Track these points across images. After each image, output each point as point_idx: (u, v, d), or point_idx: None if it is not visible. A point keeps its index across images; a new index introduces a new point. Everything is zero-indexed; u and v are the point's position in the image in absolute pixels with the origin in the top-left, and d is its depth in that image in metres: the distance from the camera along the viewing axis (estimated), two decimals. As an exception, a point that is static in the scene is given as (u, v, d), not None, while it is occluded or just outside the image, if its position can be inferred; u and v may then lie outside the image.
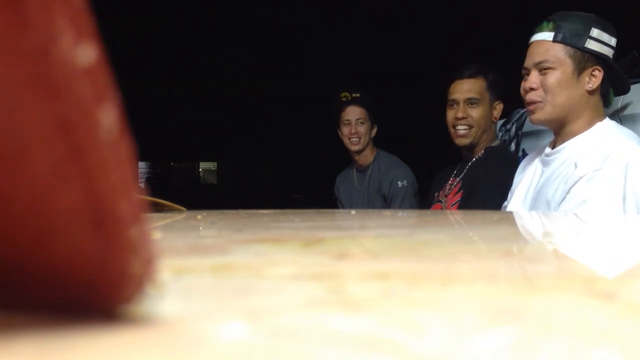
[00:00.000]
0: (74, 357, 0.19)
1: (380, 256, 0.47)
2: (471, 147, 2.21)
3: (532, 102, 1.58)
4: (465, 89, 2.20)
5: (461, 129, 2.19)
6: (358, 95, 2.80)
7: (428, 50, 5.73)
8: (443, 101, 2.28)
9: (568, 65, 1.54)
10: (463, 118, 2.18)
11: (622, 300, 0.28)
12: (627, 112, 1.86)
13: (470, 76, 2.20)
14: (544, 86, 1.56)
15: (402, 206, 2.67)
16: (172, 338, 0.21)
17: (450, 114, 2.21)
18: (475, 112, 2.18)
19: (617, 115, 1.83)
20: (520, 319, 0.23)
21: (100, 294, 0.22)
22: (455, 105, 2.20)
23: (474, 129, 2.18)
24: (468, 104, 2.18)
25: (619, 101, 1.85)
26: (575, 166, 1.49)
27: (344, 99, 2.82)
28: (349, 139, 2.79)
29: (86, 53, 0.19)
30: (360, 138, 2.77)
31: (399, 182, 2.72)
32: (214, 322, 0.23)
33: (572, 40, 1.55)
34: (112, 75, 0.20)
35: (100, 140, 0.19)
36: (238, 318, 0.23)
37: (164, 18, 6.73)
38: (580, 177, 1.46)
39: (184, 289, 0.30)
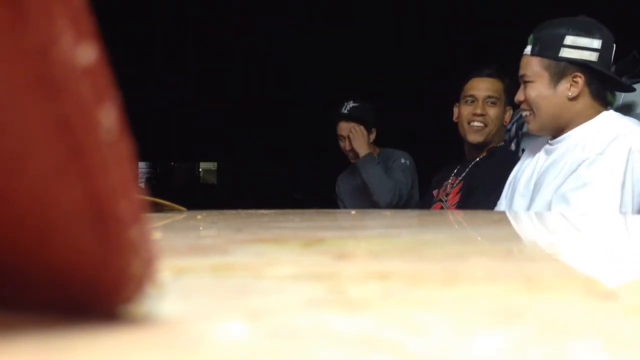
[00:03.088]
0: (74, 357, 0.19)
1: (380, 256, 0.47)
2: (482, 146, 2.20)
3: (525, 114, 1.65)
4: (485, 86, 2.19)
5: (477, 125, 2.17)
6: (347, 110, 2.80)
7: (428, 50, 5.73)
8: (443, 102, 2.28)
9: (544, 77, 1.58)
10: (482, 115, 2.17)
11: (622, 301, 0.28)
12: (627, 112, 1.86)
13: (490, 75, 2.20)
14: (526, 99, 1.62)
15: (400, 176, 2.68)
16: (172, 338, 0.21)
17: (467, 110, 2.18)
18: (493, 112, 2.18)
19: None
20: (520, 319, 0.23)
21: (100, 293, 0.22)
22: (473, 102, 2.18)
23: (488, 128, 2.18)
24: (487, 102, 2.18)
25: (619, 101, 1.85)
26: (583, 149, 1.51)
27: (333, 117, 2.84)
28: (347, 154, 2.82)
29: (86, 53, 0.19)
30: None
31: (402, 159, 2.77)
32: (214, 322, 0.23)
33: (546, 52, 1.58)
34: (112, 75, 0.20)
35: (100, 140, 0.19)
36: (238, 318, 0.23)
37: (164, 18, 6.73)
38: (584, 160, 1.48)
39: (184, 289, 0.30)
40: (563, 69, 1.57)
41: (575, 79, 1.57)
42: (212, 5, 6.56)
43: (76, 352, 0.19)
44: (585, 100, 1.58)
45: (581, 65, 1.56)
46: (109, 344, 0.20)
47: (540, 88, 1.58)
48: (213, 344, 0.20)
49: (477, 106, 2.17)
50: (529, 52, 1.61)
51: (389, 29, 6.06)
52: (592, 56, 1.56)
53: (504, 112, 2.22)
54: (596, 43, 1.56)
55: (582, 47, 1.56)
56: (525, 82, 1.61)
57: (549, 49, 1.58)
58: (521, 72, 1.62)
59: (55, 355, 0.19)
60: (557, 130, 1.61)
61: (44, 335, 0.20)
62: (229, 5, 6.48)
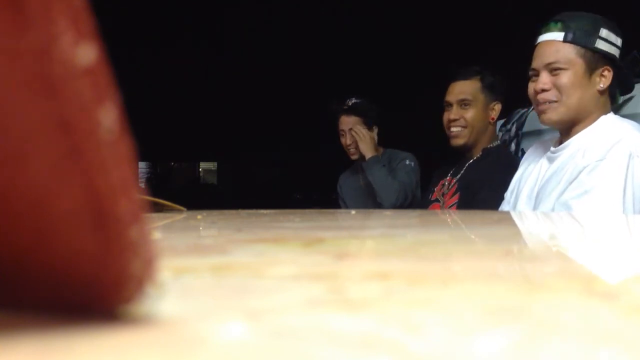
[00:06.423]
0: (74, 357, 0.19)
1: (380, 256, 0.47)
2: (467, 148, 2.22)
3: (545, 103, 1.58)
4: (458, 90, 2.22)
5: (454, 130, 2.21)
6: (349, 104, 2.80)
7: (428, 50, 5.73)
8: (443, 102, 2.29)
9: (580, 65, 1.54)
10: (455, 119, 2.20)
11: (623, 301, 0.27)
12: (627, 111, 1.86)
13: (464, 78, 2.22)
14: (557, 87, 1.56)
15: (404, 178, 2.68)
16: (172, 338, 0.21)
17: (445, 117, 2.24)
18: (468, 113, 2.20)
19: (618, 114, 1.84)
20: (520, 319, 0.23)
21: (100, 294, 0.22)
22: (449, 107, 2.23)
23: (467, 130, 2.20)
24: (461, 105, 2.21)
25: (619, 100, 1.86)
26: (583, 155, 1.50)
27: (336, 110, 2.83)
28: (348, 149, 2.81)
29: (86, 53, 0.19)
30: (357, 147, 2.77)
31: (407, 161, 2.77)
32: (214, 322, 0.23)
33: (583, 40, 1.54)
34: (112, 75, 0.20)
35: (100, 140, 0.19)
36: (238, 318, 0.23)
37: (165, 18, 6.73)
38: (584, 167, 1.47)
39: (184, 289, 0.30)
40: (597, 60, 1.55)
41: (604, 73, 1.55)
42: (212, 5, 6.56)
43: (76, 352, 0.19)
44: (606, 96, 1.58)
45: (610, 60, 1.55)
46: (109, 344, 0.20)
47: (574, 76, 1.54)
48: (213, 344, 0.20)
49: (452, 111, 2.22)
50: (558, 39, 1.55)
51: (390, 29, 6.06)
52: (617, 53, 1.57)
53: (488, 109, 2.23)
54: (619, 42, 1.57)
55: (612, 42, 1.56)
56: (556, 70, 1.55)
57: (585, 38, 1.54)
58: (549, 59, 1.56)
59: (55, 355, 0.19)
60: (574, 123, 1.58)
61: (44, 335, 0.20)
62: (230, 5, 6.48)
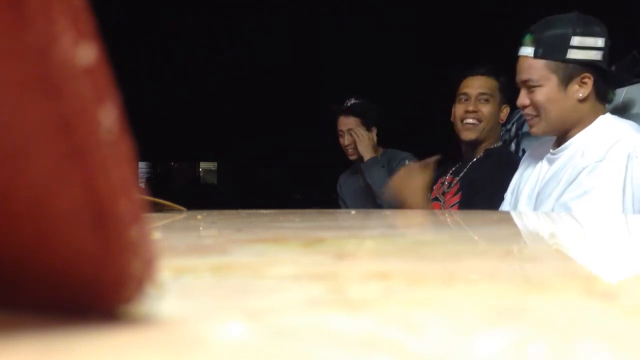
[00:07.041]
0: (74, 357, 0.19)
1: (380, 256, 0.47)
2: (476, 144, 2.21)
3: (529, 118, 1.59)
4: (478, 84, 2.21)
5: (470, 122, 2.19)
6: (348, 105, 2.79)
7: (428, 50, 5.73)
8: (445, 101, 2.29)
9: (553, 80, 1.53)
10: (474, 112, 2.18)
11: (622, 301, 0.27)
12: (627, 112, 1.86)
13: (483, 74, 2.22)
14: (533, 104, 1.56)
15: None
16: (172, 338, 0.21)
17: (460, 108, 2.21)
18: (486, 109, 2.19)
19: (618, 115, 1.83)
20: (520, 319, 0.23)
21: (100, 294, 0.22)
22: (466, 100, 2.21)
23: (482, 125, 2.19)
24: (480, 99, 2.19)
25: (619, 100, 1.85)
26: (582, 156, 1.50)
27: (334, 111, 2.82)
28: (346, 149, 2.80)
29: (86, 53, 0.19)
30: (355, 148, 2.76)
31: (407, 161, 2.75)
32: (214, 322, 0.23)
33: (553, 54, 1.52)
34: (112, 75, 0.20)
35: (101, 140, 0.19)
36: (238, 318, 0.23)
37: (165, 18, 6.73)
38: (584, 168, 1.47)
39: (184, 289, 0.30)
40: (572, 70, 1.52)
41: (584, 80, 1.53)
42: (212, 5, 6.56)
43: (76, 352, 0.19)
44: (592, 101, 1.56)
45: (589, 66, 1.52)
46: (109, 344, 0.20)
47: (549, 92, 1.53)
48: (213, 344, 0.20)
49: (470, 103, 2.20)
50: (530, 54, 1.54)
51: (390, 29, 6.06)
52: (598, 55, 1.53)
53: (499, 110, 2.23)
54: (600, 42, 1.53)
55: (588, 47, 1.52)
56: (531, 87, 1.54)
57: (555, 51, 1.52)
58: (524, 76, 1.55)
59: (55, 355, 0.19)
60: (562, 133, 1.58)
61: (44, 335, 0.20)
62: (230, 5, 6.48)
